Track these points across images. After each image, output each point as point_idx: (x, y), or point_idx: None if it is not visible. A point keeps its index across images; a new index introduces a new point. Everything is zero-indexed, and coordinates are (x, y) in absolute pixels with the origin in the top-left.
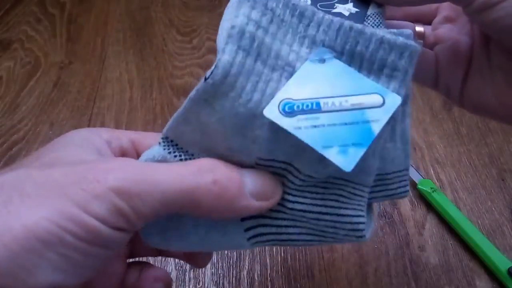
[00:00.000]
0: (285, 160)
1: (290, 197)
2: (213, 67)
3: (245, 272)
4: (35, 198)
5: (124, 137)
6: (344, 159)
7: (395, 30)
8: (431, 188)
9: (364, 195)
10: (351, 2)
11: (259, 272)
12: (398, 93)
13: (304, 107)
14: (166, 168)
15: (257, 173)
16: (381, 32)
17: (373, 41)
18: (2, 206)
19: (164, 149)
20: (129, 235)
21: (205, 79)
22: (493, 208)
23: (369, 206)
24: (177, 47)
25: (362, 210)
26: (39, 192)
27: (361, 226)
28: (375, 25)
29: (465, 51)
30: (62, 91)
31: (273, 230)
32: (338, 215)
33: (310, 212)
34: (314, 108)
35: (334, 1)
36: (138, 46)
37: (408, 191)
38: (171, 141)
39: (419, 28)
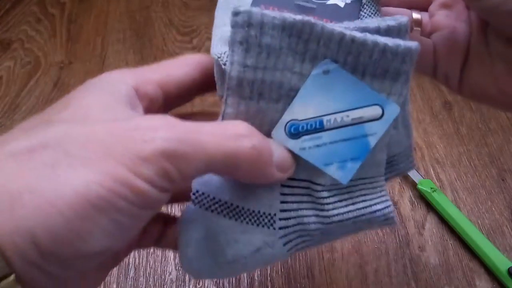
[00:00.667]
0: (306, 178)
1: (326, 213)
2: (220, 118)
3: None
4: (81, 160)
5: (150, 80)
6: (343, 174)
7: (391, 19)
8: (431, 188)
9: (382, 183)
10: None
11: (259, 272)
12: (401, 93)
13: (308, 127)
14: (208, 129)
15: (280, 146)
16: (383, 39)
17: (376, 51)
18: (50, 169)
19: (201, 206)
20: (170, 195)
21: (223, 117)
22: (493, 208)
23: None
24: (177, 47)
25: (387, 199)
26: (85, 154)
27: (391, 214)
28: (372, 13)
29: (463, 38)
30: (62, 91)
31: (311, 243)
32: (371, 212)
33: (347, 219)
34: (317, 127)
35: None
36: (138, 46)
37: (415, 163)
38: (202, 193)
39: (416, 15)
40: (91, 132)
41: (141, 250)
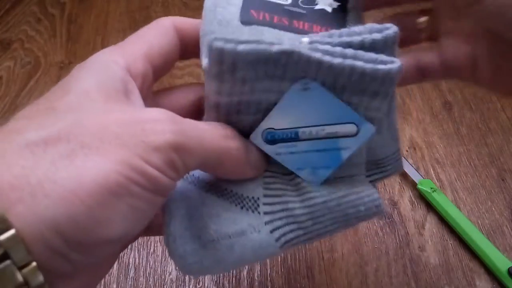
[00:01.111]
0: (288, 172)
1: (309, 194)
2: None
3: (245, 272)
4: (97, 150)
5: (139, 57)
6: (314, 178)
7: (378, 29)
8: (431, 188)
9: (364, 180)
10: None
11: (259, 272)
12: (379, 108)
13: (284, 136)
14: (205, 127)
15: (256, 148)
16: (360, 63)
17: (354, 75)
18: (68, 160)
19: (184, 180)
20: (175, 185)
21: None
22: (493, 208)
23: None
24: None
25: (371, 187)
26: (100, 144)
27: (376, 195)
28: (357, 18)
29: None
30: None
31: (301, 232)
32: (354, 193)
33: (330, 200)
34: (292, 137)
35: None
36: None
37: (402, 166)
38: (188, 172)
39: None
40: (103, 124)
41: (141, 250)
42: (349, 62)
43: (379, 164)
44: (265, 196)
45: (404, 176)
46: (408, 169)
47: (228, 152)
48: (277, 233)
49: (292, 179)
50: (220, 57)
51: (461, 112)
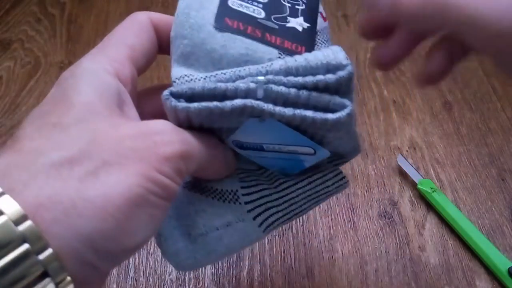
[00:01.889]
0: (259, 168)
1: (281, 181)
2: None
3: (245, 272)
4: (117, 166)
5: (125, 60)
6: (284, 174)
7: (334, 67)
8: (431, 188)
9: (325, 166)
10: (301, 16)
11: (259, 272)
12: (336, 136)
13: (251, 147)
14: (200, 137)
15: (230, 150)
16: (310, 113)
17: (305, 122)
18: (94, 177)
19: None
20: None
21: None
22: (493, 208)
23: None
24: None
25: (335, 169)
26: (118, 160)
27: (339, 171)
28: (324, 40)
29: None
30: None
31: (280, 214)
32: (320, 172)
33: (300, 181)
34: (258, 148)
35: (286, 14)
36: None
37: (361, 150)
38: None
39: None
40: (117, 139)
41: (141, 250)
42: (299, 113)
43: (340, 156)
44: (242, 187)
45: (404, 176)
46: (408, 169)
47: (216, 158)
48: (259, 219)
49: (263, 172)
50: (175, 113)
51: (461, 112)
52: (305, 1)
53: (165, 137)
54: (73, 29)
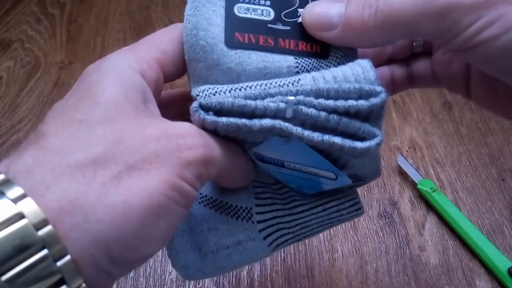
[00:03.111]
0: (274, 182)
1: (296, 203)
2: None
3: (245, 272)
4: (139, 171)
5: (152, 62)
6: (301, 192)
7: (366, 90)
8: (431, 188)
9: (344, 189)
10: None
11: (259, 272)
12: (360, 161)
13: (272, 161)
14: (224, 143)
15: (250, 160)
16: (339, 140)
17: (333, 147)
18: (117, 182)
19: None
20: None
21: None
22: (493, 208)
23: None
24: None
25: (350, 193)
26: (142, 165)
27: (356, 200)
28: None
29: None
30: (62, 91)
31: (291, 236)
32: (336, 199)
33: (316, 207)
34: (278, 164)
35: (296, 6)
36: None
37: (380, 173)
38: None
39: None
40: (142, 141)
41: None
42: (327, 139)
43: (359, 177)
44: (257, 205)
45: (404, 176)
46: (408, 169)
47: (237, 166)
48: (269, 239)
49: (279, 188)
50: (202, 125)
51: (461, 112)
52: None
53: (189, 141)
54: (73, 29)
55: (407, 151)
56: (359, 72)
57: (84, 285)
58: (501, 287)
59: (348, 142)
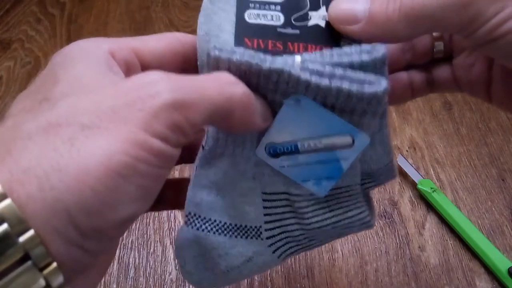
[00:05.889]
0: (284, 190)
1: (306, 221)
2: (205, 138)
3: None
4: (97, 130)
5: (125, 46)
6: (319, 189)
7: (367, 50)
8: (431, 188)
9: (358, 191)
10: (323, 5)
11: None
12: (369, 125)
13: (285, 150)
14: (205, 78)
15: (259, 97)
16: (347, 84)
17: (341, 96)
18: (70, 145)
19: (193, 227)
20: (180, 151)
21: (203, 147)
22: (493, 208)
23: (367, 196)
24: None
25: (362, 205)
26: (99, 123)
27: (367, 218)
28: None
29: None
30: None
31: (300, 247)
32: (347, 218)
33: (326, 225)
34: (293, 150)
35: (307, 9)
36: None
37: (395, 175)
38: (194, 215)
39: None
40: (97, 101)
41: (141, 250)
42: (335, 83)
43: (372, 175)
44: (266, 222)
45: (404, 176)
46: (408, 169)
47: (235, 97)
48: (278, 252)
49: (289, 205)
50: (216, 64)
51: (461, 112)
52: None
53: (152, 88)
54: (73, 29)
55: (407, 151)
56: (358, 48)
57: (55, 264)
58: (501, 287)
59: (355, 86)
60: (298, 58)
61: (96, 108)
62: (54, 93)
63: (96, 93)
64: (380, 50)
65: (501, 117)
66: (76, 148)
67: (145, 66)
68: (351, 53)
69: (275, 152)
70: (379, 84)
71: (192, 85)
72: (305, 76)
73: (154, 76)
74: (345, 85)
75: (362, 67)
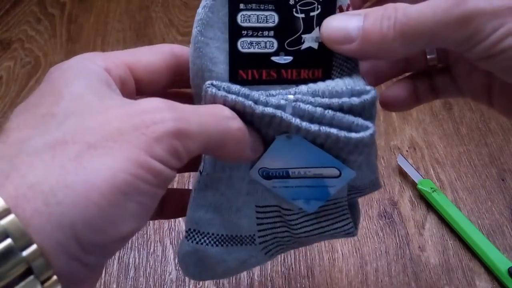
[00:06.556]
0: (276, 204)
1: (294, 231)
2: (202, 163)
3: (245, 272)
4: (102, 150)
5: (120, 63)
6: (308, 206)
7: (358, 91)
8: (431, 188)
9: (344, 203)
10: (317, 26)
11: (259, 272)
12: (355, 161)
13: (277, 174)
14: (204, 110)
15: (252, 131)
16: (335, 131)
17: (330, 139)
18: (76, 163)
19: (193, 241)
20: (175, 174)
21: (200, 172)
22: (493, 208)
23: (352, 205)
24: None
25: (348, 217)
26: (104, 143)
27: (351, 230)
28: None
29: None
30: None
31: (289, 248)
32: (333, 229)
33: (312, 235)
34: (284, 175)
35: (300, 32)
36: (138, 46)
37: (380, 186)
38: (194, 230)
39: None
40: (104, 122)
41: (141, 250)
42: (324, 130)
43: (358, 188)
44: (259, 230)
45: (404, 176)
46: (408, 169)
47: (230, 132)
48: (270, 253)
49: (279, 216)
50: (213, 99)
51: (461, 112)
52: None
53: (156, 115)
54: (73, 29)
55: (407, 151)
56: (350, 82)
57: (55, 277)
58: (501, 287)
59: (343, 133)
60: (291, 96)
61: (103, 128)
62: (59, 109)
63: (102, 114)
64: (370, 92)
65: (501, 117)
66: (82, 165)
67: (138, 82)
68: (342, 92)
69: (267, 175)
70: (366, 130)
71: (194, 117)
72: (296, 122)
73: (159, 104)
74: (333, 131)
75: (351, 110)
